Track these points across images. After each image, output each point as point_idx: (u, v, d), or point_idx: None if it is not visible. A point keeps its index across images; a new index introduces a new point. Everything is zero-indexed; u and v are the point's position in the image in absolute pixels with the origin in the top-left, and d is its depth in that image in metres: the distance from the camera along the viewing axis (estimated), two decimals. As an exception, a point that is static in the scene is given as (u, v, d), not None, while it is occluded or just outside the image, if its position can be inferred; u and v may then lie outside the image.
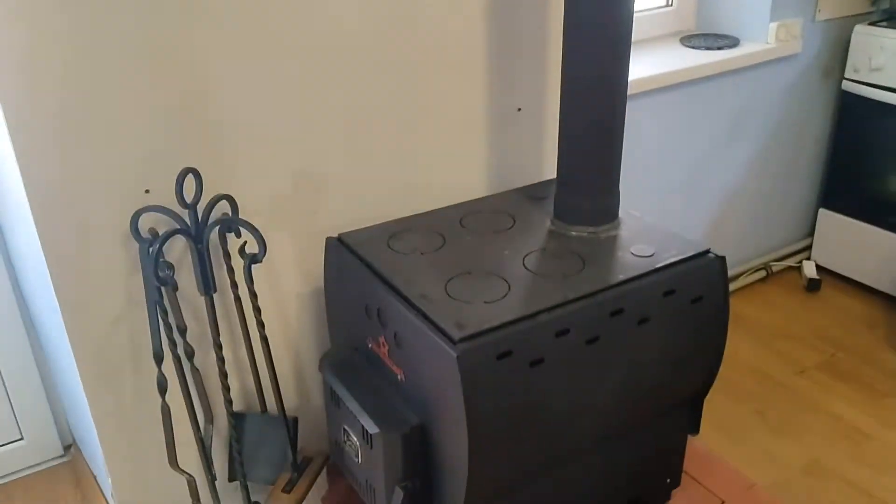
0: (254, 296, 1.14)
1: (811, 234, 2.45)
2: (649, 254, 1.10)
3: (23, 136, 0.97)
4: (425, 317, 0.97)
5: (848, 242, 2.33)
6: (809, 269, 2.38)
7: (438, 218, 1.23)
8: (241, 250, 1.12)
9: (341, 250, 1.15)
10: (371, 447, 1.06)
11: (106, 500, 1.39)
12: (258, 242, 1.07)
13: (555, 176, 1.24)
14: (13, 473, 1.53)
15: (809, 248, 2.46)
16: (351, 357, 1.18)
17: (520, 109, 1.39)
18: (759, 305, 2.31)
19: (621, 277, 1.05)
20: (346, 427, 1.14)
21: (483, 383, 0.93)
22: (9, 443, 1.52)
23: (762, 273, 2.41)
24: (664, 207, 2.05)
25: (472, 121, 1.34)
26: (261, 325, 1.16)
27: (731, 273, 2.32)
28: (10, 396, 1.48)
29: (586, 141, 1.16)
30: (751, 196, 2.26)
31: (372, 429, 1.03)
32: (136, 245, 1.07)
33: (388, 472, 1.04)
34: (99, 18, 0.97)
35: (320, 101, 1.18)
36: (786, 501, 1.37)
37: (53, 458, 1.57)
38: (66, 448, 1.59)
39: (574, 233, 1.17)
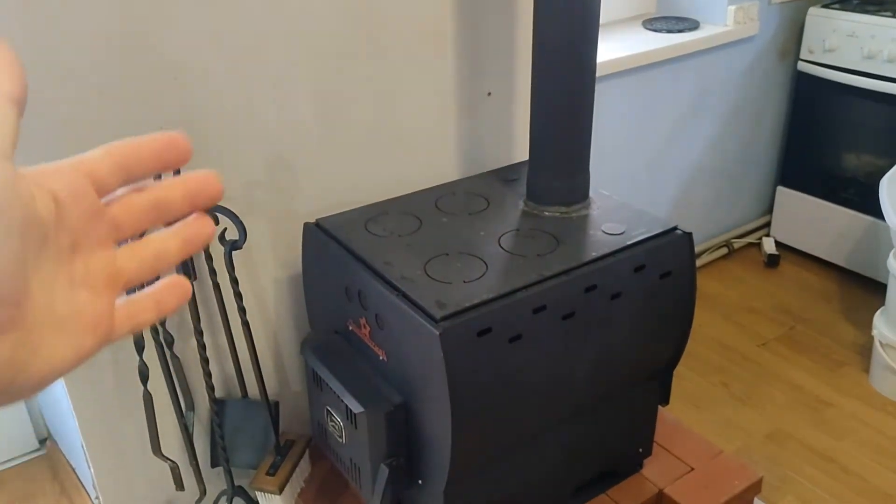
0: (234, 282, 1.15)
1: (770, 211, 2.53)
2: (620, 231, 1.14)
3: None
4: (407, 298, 0.99)
5: (805, 219, 2.41)
6: (769, 246, 2.46)
7: (414, 201, 1.25)
8: (221, 237, 1.13)
9: (320, 235, 1.17)
10: (355, 427, 1.08)
11: (85, 490, 1.39)
12: (238, 229, 1.08)
13: (526, 158, 1.27)
14: (-12, 469, 1.52)
15: (768, 224, 2.54)
16: (331, 340, 1.20)
17: (490, 94, 1.41)
18: (721, 281, 2.38)
19: (594, 255, 1.08)
20: (330, 408, 1.16)
21: (464, 360, 0.95)
22: (-17, 438, 1.51)
23: (724, 250, 2.48)
24: (629, 187, 2.09)
25: (444, 106, 1.36)
26: (242, 310, 1.17)
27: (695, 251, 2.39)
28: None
29: (557, 123, 1.19)
30: (712, 175, 2.32)
31: (356, 408, 1.05)
32: (114, 234, 1.07)
33: (372, 451, 1.06)
34: (67, 15, 0.97)
35: (291, 86, 1.18)
36: (750, 467, 1.42)
37: (29, 453, 1.56)
38: (42, 442, 1.58)
39: (547, 213, 1.20)
